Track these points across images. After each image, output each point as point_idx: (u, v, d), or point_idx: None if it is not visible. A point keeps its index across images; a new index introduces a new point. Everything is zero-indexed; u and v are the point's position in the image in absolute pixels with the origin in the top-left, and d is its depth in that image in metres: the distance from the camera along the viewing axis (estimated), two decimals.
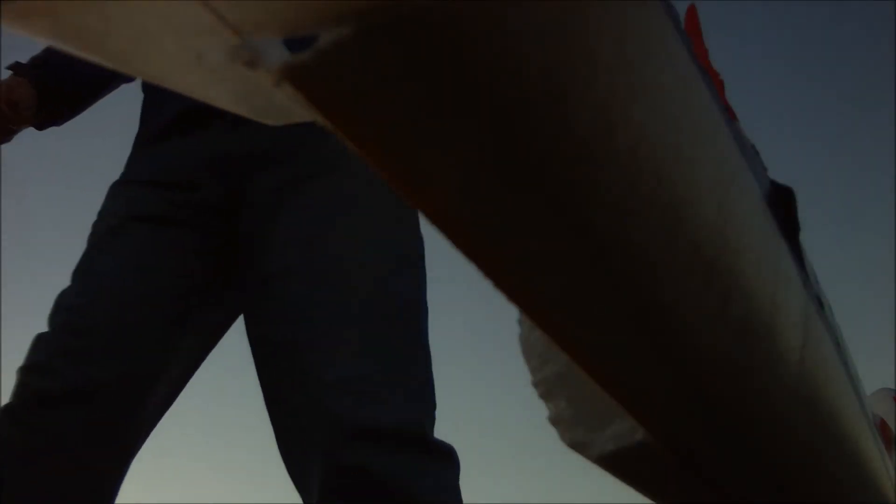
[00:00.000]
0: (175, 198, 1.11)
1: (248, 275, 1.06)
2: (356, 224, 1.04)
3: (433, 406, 1.00)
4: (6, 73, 1.22)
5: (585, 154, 0.21)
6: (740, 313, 0.31)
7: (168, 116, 1.17)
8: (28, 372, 1.00)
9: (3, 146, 1.24)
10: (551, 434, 0.42)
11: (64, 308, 1.06)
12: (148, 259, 1.07)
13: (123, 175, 1.19)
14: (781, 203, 0.37)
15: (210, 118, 1.12)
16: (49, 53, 1.24)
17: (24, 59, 1.24)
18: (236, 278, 1.09)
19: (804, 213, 0.38)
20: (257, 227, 1.07)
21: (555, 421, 0.42)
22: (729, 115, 0.33)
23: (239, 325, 1.11)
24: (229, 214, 1.09)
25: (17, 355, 1.03)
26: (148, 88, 1.26)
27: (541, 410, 0.42)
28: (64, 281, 1.10)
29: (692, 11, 0.52)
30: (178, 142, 1.15)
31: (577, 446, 0.42)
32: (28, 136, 1.27)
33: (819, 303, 0.44)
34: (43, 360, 1.01)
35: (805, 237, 0.41)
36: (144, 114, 1.23)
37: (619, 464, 0.42)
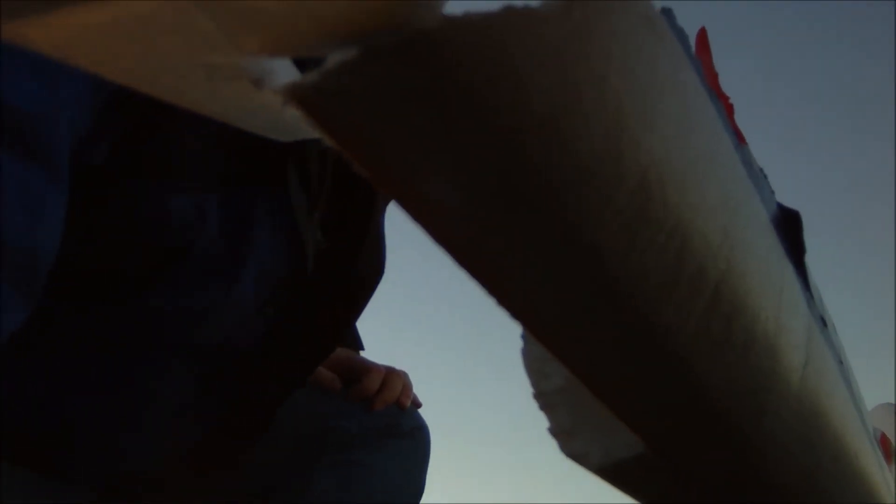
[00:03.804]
0: None
1: None
2: None
3: None
4: None
5: (592, 179, 0.21)
6: (744, 335, 0.31)
7: None
8: None
9: None
10: (552, 445, 0.42)
11: None
12: None
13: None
14: (788, 227, 0.37)
15: None
16: None
17: None
18: None
19: (810, 232, 0.38)
20: None
21: (555, 433, 0.42)
22: (738, 138, 0.33)
23: None
24: None
25: None
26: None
27: (542, 422, 0.42)
28: None
29: (702, 34, 0.52)
30: None
31: (578, 457, 0.42)
32: None
33: (822, 322, 0.44)
34: None
35: (809, 256, 0.41)
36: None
37: (619, 475, 0.42)
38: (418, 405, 1.14)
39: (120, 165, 0.70)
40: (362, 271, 0.95)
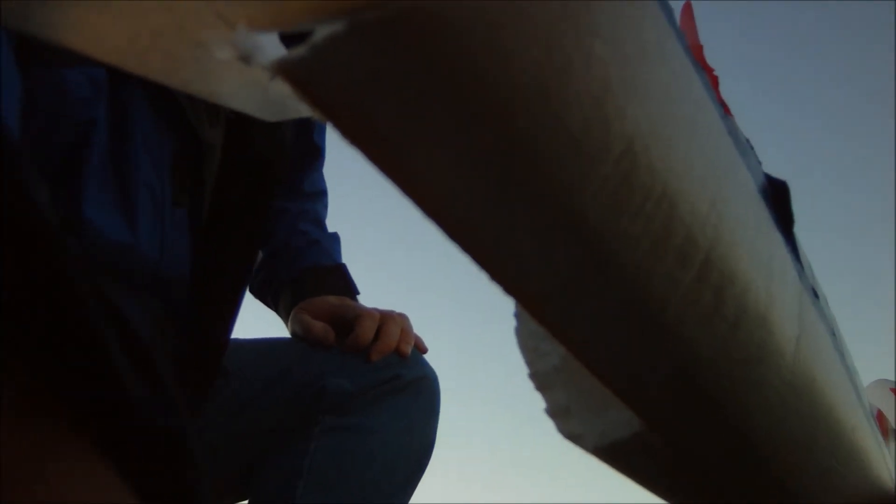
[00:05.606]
0: None
1: None
2: None
3: None
4: None
5: (579, 149, 0.22)
6: (735, 305, 0.31)
7: None
8: None
9: None
10: (549, 426, 0.42)
11: None
12: None
13: None
14: (776, 196, 0.37)
15: None
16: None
17: None
18: None
19: (799, 205, 0.39)
20: None
21: (552, 413, 0.42)
22: (723, 110, 0.33)
23: None
24: None
25: None
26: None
27: (538, 402, 0.42)
28: None
29: (687, 7, 0.53)
30: None
31: (574, 438, 0.42)
32: None
33: (814, 294, 0.44)
34: None
35: (800, 229, 0.41)
36: None
37: (615, 455, 0.42)
38: (423, 350, 1.03)
39: (26, 51, 0.71)
40: (261, 145, 0.89)
